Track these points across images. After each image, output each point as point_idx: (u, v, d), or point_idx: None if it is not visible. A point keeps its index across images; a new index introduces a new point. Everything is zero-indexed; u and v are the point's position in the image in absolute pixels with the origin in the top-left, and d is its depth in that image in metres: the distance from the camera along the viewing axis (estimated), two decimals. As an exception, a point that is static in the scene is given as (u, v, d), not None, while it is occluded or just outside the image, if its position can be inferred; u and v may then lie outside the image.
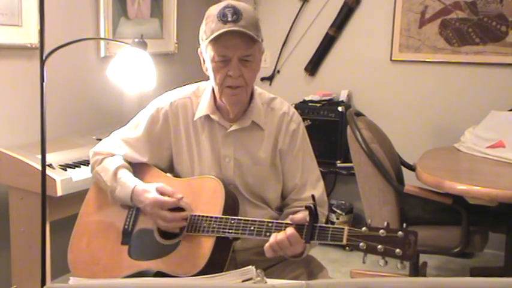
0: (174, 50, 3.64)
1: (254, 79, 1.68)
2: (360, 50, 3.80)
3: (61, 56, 2.21)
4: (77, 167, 2.40)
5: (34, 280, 2.33)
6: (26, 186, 2.33)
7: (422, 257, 3.15)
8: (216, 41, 1.58)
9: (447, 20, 3.55)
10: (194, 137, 1.75)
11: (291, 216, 1.55)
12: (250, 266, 1.24)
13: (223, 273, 1.27)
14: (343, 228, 1.46)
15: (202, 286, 1.18)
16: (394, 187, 2.62)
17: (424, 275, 3.11)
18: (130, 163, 1.79)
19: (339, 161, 3.60)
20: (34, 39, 2.57)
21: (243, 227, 1.56)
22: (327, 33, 3.83)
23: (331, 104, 3.70)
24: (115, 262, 1.67)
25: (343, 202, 3.70)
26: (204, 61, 1.69)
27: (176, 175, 1.80)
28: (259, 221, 1.57)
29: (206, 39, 1.60)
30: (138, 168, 1.79)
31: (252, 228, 1.56)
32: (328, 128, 3.55)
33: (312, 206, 1.49)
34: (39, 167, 2.07)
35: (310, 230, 1.49)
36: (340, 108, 3.59)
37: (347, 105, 3.69)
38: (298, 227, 1.50)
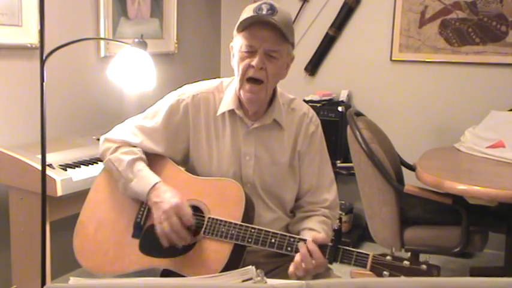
0: (174, 50, 3.64)
1: (277, 78, 1.68)
2: (360, 50, 3.80)
3: (61, 56, 2.21)
4: (77, 167, 2.40)
5: (34, 280, 2.32)
6: (26, 186, 2.33)
7: (423, 257, 3.14)
8: (246, 29, 1.60)
9: (447, 20, 3.55)
10: (214, 132, 1.73)
11: (314, 236, 1.55)
12: (250, 266, 1.24)
13: (223, 273, 1.27)
14: (368, 254, 1.48)
15: (202, 286, 1.18)
16: (394, 187, 2.62)
17: (424, 275, 3.10)
18: (146, 154, 1.75)
19: (339, 161, 3.60)
20: (34, 39, 2.57)
21: (263, 238, 1.55)
22: (327, 33, 3.83)
23: (331, 104, 3.70)
24: (125, 255, 1.65)
25: (343, 202, 3.70)
26: (233, 55, 1.69)
27: (191, 169, 1.77)
28: (281, 234, 1.55)
29: (238, 28, 1.62)
30: (156, 163, 1.74)
31: (273, 240, 1.55)
32: (328, 128, 3.51)
33: (337, 228, 1.50)
34: (39, 167, 2.07)
35: (333, 251, 1.50)
36: (340, 108, 3.59)
37: (347, 105, 3.69)
38: (322, 247, 1.51)
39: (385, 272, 1.44)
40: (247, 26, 1.60)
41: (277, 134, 1.74)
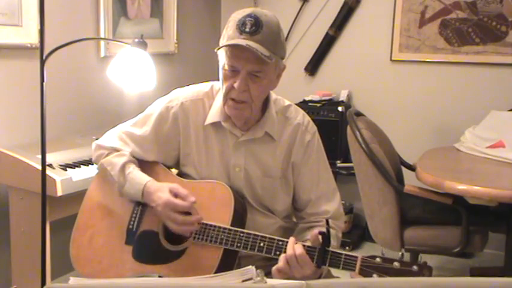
0: (174, 50, 3.64)
1: (262, 96, 1.62)
2: (360, 50, 3.80)
3: (61, 56, 2.21)
4: (77, 167, 2.40)
5: (34, 280, 2.32)
6: (26, 186, 2.33)
7: (423, 257, 3.15)
8: (227, 50, 1.53)
9: (447, 20, 3.55)
10: (204, 141, 1.69)
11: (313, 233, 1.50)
12: (250, 266, 1.23)
13: (223, 273, 1.27)
14: (356, 257, 1.44)
15: (203, 286, 1.18)
16: (394, 187, 2.62)
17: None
18: (137, 159, 1.74)
19: (339, 161, 3.60)
20: (34, 39, 2.57)
21: (252, 242, 1.54)
22: (327, 33, 3.83)
23: (331, 104, 3.70)
24: (118, 262, 1.65)
25: (343, 202, 3.66)
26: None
27: (182, 175, 1.76)
28: (270, 238, 1.53)
29: (220, 44, 1.55)
30: (146, 166, 1.74)
31: (262, 244, 1.53)
32: (328, 128, 3.55)
33: (325, 231, 1.47)
34: (39, 167, 2.07)
35: (322, 255, 1.46)
36: (340, 108, 3.59)
37: (347, 105, 3.69)
38: (310, 250, 1.47)
39: (374, 275, 1.40)
40: (227, 46, 1.53)
41: (268, 146, 1.69)
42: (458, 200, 2.53)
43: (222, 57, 1.57)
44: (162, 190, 1.61)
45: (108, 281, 1.46)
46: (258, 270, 1.20)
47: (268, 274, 1.63)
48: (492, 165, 2.70)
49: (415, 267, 1.39)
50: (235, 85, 1.54)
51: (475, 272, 3.24)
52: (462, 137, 3.06)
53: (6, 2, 2.47)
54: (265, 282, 1.17)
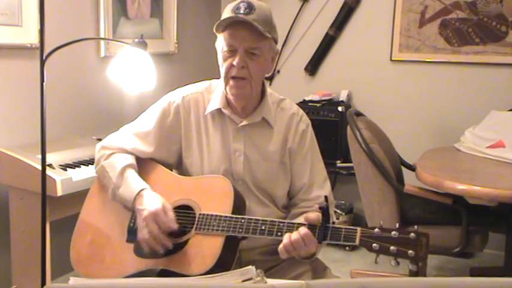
0: (174, 50, 3.64)
1: (261, 74, 1.71)
2: (360, 50, 3.80)
3: (61, 56, 2.21)
4: (77, 167, 2.40)
5: (34, 280, 2.33)
6: (26, 186, 2.33)
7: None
8: (225, 30, 1.63)
9: (447, 20, 3.55)
10: (205, 131, 1.76)
11: (305, 215, 1.56)
12: (250, 266, 1.24)
13: (223, 273, 1.27)
14: (356, 229, 1.48)
15: (202, 286, 1.18)
16: (394, 187, 2.62)
17: (424, 275, 3.11)
18: (137, 159, 1.78)
19: (339, 161, 3.60)
20: (34, 39, 2.57)
21: (253, 226, 1.57)
22: (327, 33, 3.83)
23: (331, 104, 3.70)
24: (120, 260, 1.66)
25: (343, 202, 3.70)
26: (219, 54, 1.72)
27: (185, 170, 1.79)
28: (270, 221, 1.57)
29: (217, 28, 1.65)
30: (144, 166, 1.77)
31: (263, 227, 1.56)
32: (328, 128, 3.55)
33: (325, 206, 1.51)
34: (39, 167, 2.07)
35: (323, 230, 1.51)
36: (340, 108, 3.59)
37: (347, 105, 3.69)
38: (311, 227, 1.52)
39: (374, 245, 1.44)
40: (226, 27, 1.63)
41: (266, 132, 1.77)
42: (458, 200, 2.53)
43: (220, 42, 1.66)
44: (156, 200, 1.63)
45: (108, 281, 1.46)
46: (258, 270, 1.20)
47: (269, 269, 1.66)
48: (492, 165, 2.70)
49: (412, 235, 1.43)
50: (234, 62, 1.63)
51: (475, 272, 3.24)
52: (462, 137, 3.06)
53: (6, 2, 2.47)
54: (265, 282, 1.18)
